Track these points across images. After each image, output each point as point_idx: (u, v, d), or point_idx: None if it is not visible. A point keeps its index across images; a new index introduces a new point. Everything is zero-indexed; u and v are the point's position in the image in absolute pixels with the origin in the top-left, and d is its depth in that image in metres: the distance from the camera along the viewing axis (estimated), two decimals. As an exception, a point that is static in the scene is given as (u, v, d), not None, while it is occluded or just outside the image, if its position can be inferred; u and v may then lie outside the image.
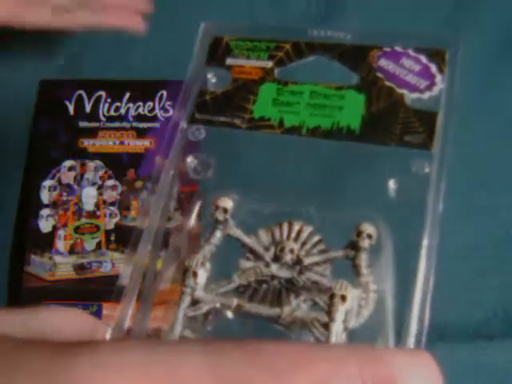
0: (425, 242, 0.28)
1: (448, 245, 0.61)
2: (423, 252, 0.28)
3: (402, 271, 0.29)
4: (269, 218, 0.32)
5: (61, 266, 0.59)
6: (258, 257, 0.31)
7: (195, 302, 0.29)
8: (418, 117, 0.30)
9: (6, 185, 0.62)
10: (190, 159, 0.33)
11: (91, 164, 0.61)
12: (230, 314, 0.30)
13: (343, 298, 0.27)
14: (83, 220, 0.61)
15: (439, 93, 0.30)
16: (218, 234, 0.32)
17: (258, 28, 0.34)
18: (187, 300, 0.29)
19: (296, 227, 0.31)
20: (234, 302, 0.29)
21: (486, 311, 0.57)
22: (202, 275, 0.30)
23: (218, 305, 0.30)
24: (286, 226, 0.31)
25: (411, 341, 0.27)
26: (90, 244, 0.60)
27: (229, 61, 0.34)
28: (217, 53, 0.34)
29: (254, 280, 0.31)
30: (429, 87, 0.30)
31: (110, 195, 0.60)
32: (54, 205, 0.61)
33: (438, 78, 0.31)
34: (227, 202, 0.32)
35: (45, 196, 0.61)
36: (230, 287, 0.30)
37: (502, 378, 0.54)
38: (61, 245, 0.60)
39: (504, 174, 0.61)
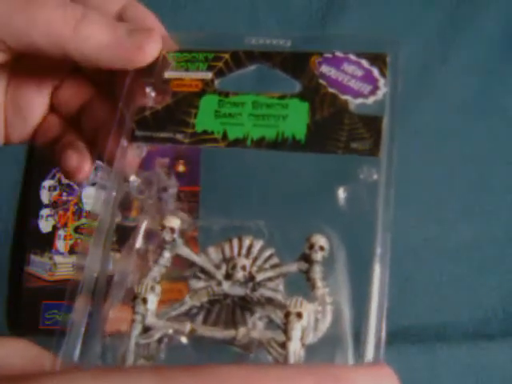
0: (377, 251, 0.27)
1: (448, 245, 0.61)
2: (376, 260, 0.27)
3: (356, 281, 0.29)
4: (218, 234, 0.31)
5: (61, 266, 0.59)
6: (209, 276, 0.30)
7: (147, 329, 0.28)
8: (364, 122, 0.29)
9: (6, 185, 0.62)
10: (132, 178, 0.32)
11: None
12: (183, 340, 0.29)
13: (299, 315, 0.27)
14: (83, 220, 0.61)
15: (383, 97, 0.30)
16: (167, 255, 0.31)
17: (194, 38, 0.33)
18: (138, 327, 0.28)
19: (246, 242, 0.31)
20: (187, 326, 0.28)
21: (486, 311, 0.57)
22: (152, 300, 0.29)
23: (170, 331, 0.28)
24: (236, 242, 0.31)
25: (370, 351, 0.26)
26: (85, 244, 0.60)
27: (167, 74, 0.33)
28: (154, 66, 0.32)
29: (207, 300, 0.30)
30: (372, 92, 0.30)
31: (110, 195, 0.60)
32: (53, 205, 0.61)
33: (381, 81, 0.30)
34: (174, 221, 0.31)
35: (45, 196, 0.61)
36: (182, 309, 0.30)
37: (501, 378, 0.54)
38: (61, 245, 0.60)
39: (504, 174, 0.61)
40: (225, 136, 0.31)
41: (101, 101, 0.35)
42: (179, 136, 0.31)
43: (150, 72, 0.32)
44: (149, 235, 0.32)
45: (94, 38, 0.31)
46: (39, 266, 0.59)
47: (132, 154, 0.32)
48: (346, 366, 0.26)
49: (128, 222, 0.32)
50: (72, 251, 0.60)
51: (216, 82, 0.32)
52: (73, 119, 0.36)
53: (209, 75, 0.32)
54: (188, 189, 0.57)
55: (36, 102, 0.36)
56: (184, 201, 0.59)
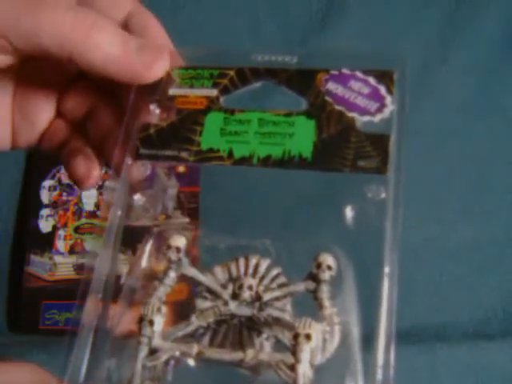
0: (386, 270, 0.27)
1: (448, 245, 0.61)
2: (385, 279, 0.27)
3: (365, 300, 0.28)
4: (224, 253, 0.31)
5: (61, 266, 0.59)
6: (215, 295, 0.30)
7: (153, 351, 0.28)
8: (371, 140, 0.29)
9: (6, 185, 0.62)
10: (136, 197, 0.32)
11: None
12: (191, 362, 0.28)
13: (308, 336, 0.26)
14: (83, 220, 0.61)
15: (390, 115, 0.29)
16: (172, 275, 0.30)
17: (199, 55, 0.33)
18: (145, 350, 0.28)
19: (253, 261, 0.30)
20: (195, 348, 0.28)
21: (486, 311, 0.57)
22: (159, 322, 0.28)
23: (177, 353, 0.28)
24: (242, 261, 0.30)
25: (379, 372, 0.26)
26: (90, 244, 0.60)
27: (172, 91, 0.32)
28: (159, 83, 0.32)
29: (213, 321, 0.29)
30: (379, 109, 0.29)
31: (110, 195, 0.60)
32: (53, 205, 0.61)
33: (388, 99, 0.30)
34: (180, 241, 0.30)
35: (45, 196, 0.61)
36: (189, 330, 0.29)
37: (501, 378, 0.54)
38: (61, 245, 0.60)
39: (504, 174, 0.61)
40: (230, 154, 0.30)
41: (107, 108, 0.35)
42: (184, 154, 0.31)
43: (155, 89, 0.32)
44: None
45: (103, 48, 0.30)
46: (39, 266, 0.59)
47: (136, 172, 0.31)
48: None
49: (133, 222, 0.32)
50: (72, 251, 0.60)
51: (221, 99, 0.32)
52: (80, 125, 0.36)
53: (214, 92, 0.32)
54: (188, 189, 0.57)
55: (43, 107, 0.36)
56: (184, 202, 0.59)
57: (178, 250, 0.30)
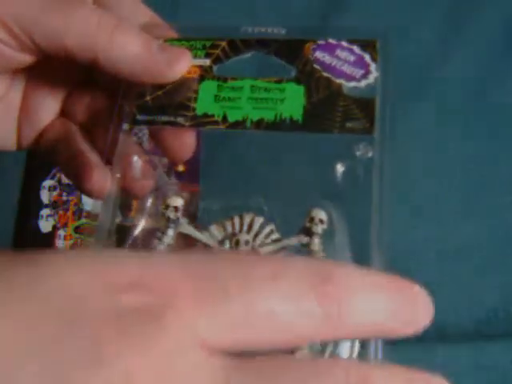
0: (374, 220, 0.29)
1: (448, 245, 0.61)
2: (373, 230, 0.28)
3: (356, 251, 0.30)
4: (219, 213, 0.32)
5: (61, 266, 0.59)
6: None
7: None
8: (357, 104, 0.31)
9: (6, 185, 0.62)
10: (134, 159, 0.33)
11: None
12: None
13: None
14: (83, 220, 0.61)
15: (374, 80, 0.31)
16: (171, 233, 0.32)
17: (192, 28, 0.34)
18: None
19: (247, 219, 0.32)
20: None
21: (486, 311, 0.57)
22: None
23: None
24: (237, 219, 0.32)
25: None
26: (89, 243, 0.60)
27: None
28: None
29: None
30: (364, 75, 0.31)
31: (110, 195, 0.60)
32: (53, 205, 0.61)
33: (372, 66, 0.32)
34: (178, 201, 0.32)
35: (45, 196, 0.61)
36: None
37: (501, 377, 0.54)
38: (61, 245, 0.60)
39: (504, 174, 0.61)
40: (225, 118, 0.32)
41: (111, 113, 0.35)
42: (180, 119, 0.32)
43: None
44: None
45: (127, 48, 0.31)
46: (39, 266, 0.59)
47: (134, 137, 0.32)
48: None
49: (128, 222, 0.32)
50: (72, 251, 0.60)
51: (214, 68, 0.33)
52: (83, 128, 0.36)
53: (207, 62, 0.33)
54: (188, 189, 0.57)
55: (47, 107, 0.36)
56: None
57: (176, 209, 0.32)
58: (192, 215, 0.55)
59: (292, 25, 0.33)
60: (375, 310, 0.22)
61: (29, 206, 0.61)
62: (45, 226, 0.60)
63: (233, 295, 0.20)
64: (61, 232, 0.60)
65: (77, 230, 0.61)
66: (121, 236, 0.32)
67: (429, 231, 0.59)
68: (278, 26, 0.33)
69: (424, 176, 0.60)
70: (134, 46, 0.31)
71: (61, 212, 0.61)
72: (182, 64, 0.32)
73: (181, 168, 0.51)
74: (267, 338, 0.21)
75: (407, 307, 0.23)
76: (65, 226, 0.61)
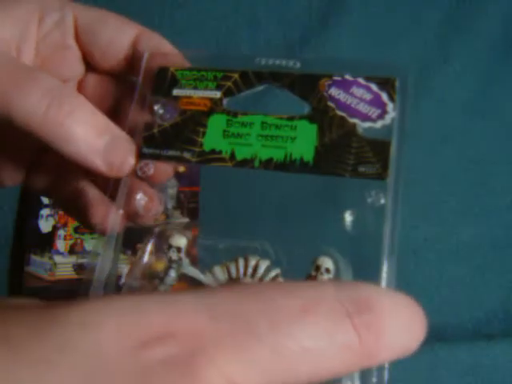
0: (383, 275, 0.27)
1: (448, 245, 0.61)
2: (383, 284, 0.27)
3: None
4: (223, 254, 0.31)
5: (61, 266, 0.59)
6: None
7: None
8: (371, 146, 0.29)
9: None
10: (139, 196, 0.32)
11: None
12: None
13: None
14: (83, 220, 0.61)
15: (391, 121, 0.30)
16: (173, 274, 0.31)
17: (204, 57, 0.33)
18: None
19: (252, 262, 0.31)
20: None
21: (486, 311, 0.57)
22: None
23: None
24: (242, 262, 0.31)
25: (374, 375, 0.26)
26: (90, 244, 0.60)
27: (176, 91, 0.33)
28: (163, 84, 0.33)
29: None
30: (380, 116, 0.30)
31: (110, 195, 0.60)
32: (53, 205, 0.61)
33: (390, 106, 0.30)
34: (181, 241, 0.31)
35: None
36: None
37: (501, 378, 0.54)
38: (61, 245, 0.60)
39: (504, 174, 0.61)
40: (232, 156, 0.31)
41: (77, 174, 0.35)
42: (187, 154, 0.31)
43: (158, 89, 0.33)
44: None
45: (74, 141, 0.30)
46: (39, 266, 0.59)
47: (139, 172, 0.32)
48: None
49: (134, 224, 0.32)
50: (72, 251, 0.60)
51: (224, 101, 0.32)
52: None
53: (217, 94, 0.32)
54: (188, 189, 0.57)
55: (11, 173, 0.36)
56: (184, 201, 0.59)
57: (178, 249, 0.31)
58: (193, 213, 0.55)
59: (307, 57, 0.33)
60: (406, 334, 0.22)
61: (29, 206, 0.61)
62: (45, 225, 0.60)
63: (263, 336, 0.20)
64: (61, 232, 0.60)
65: (77, 229, 0.61)
66: (126, 238, 0.31)
67: (429, 231, 0.59)
68: (292, 57, 0.32)
69: (424, 176, 0.60)
70: (81, 140, 0.30)
71: (61, 212, 0.61)
72: (123, 168, 0.31)
73: (181, 169, 0.51)
74: (303, 375, 0.20)
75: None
76: (65, 225, 0.61)
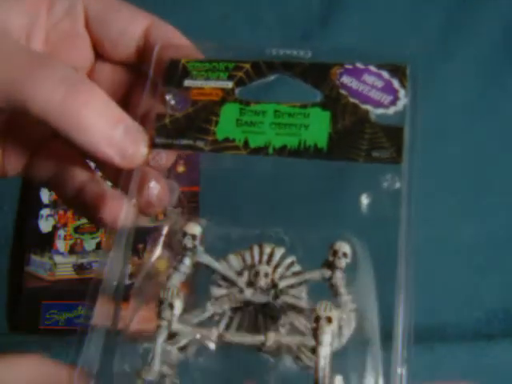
0: (401, 259, 0.27)
1: (448, 245, 0.61)
2: (401, 267, 0.27)
3: (381, 285, 0.29)
4: (237, 242, 0.31)
5: (61, 266, 0.59)
6: (230, 283, 0.30)
7: (172, 336, 0.28)
8: (385, 132, 0.29)
9: (6, 185, 0.62)
10: (152, 184, 0.32)
11: (91, 163, 0.62)
12: (211, 345, 0.28)
13: (329, 319, 0.27)
14: (83, 220, 0.61)
15: (403, 107, 0.30)
16: (187, 262, 0.31)
17: (215, 49, 0.33)
18: (164, 333, 0.28)
19: (267, 249, 0.31)
20: (215, 332, 0.28)
21: (486, 311, 0.57)
22: (178, 306, 0.28)
23: (197, 336, 0.28)
24: (256, 249, 0.31)
25: (398, 356, 0.27)
26: (89, 244, 0.60)
27: (187, 82, 0.32)
28: (174, 75, 0.32)
29: (229, 307, 0.30)
30: (393, 102, 0.30)
31: (110, 195, 0.60)
32: (53, 205, 0.61)
33: (401, 92, 0.30)
34: (195, 228, 0.30)
35: (45, 196, 0.61)
36: (204, 316, 0.29)
37: (501, 377, 0.54)
38: (61, 245, 0.60)
39: (504, 174, 0.61)
40: (246, 144, 0.31)
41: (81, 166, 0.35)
42: (200, 143, 0.31)
43: (170, 80, 0.32)
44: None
45: (90, 130, 0.29)
46: (39, 266, 0.59)
47: (151, 161, 0.31)
48: None
49: (143, 224, 0.32)
50: (72, 251, 0.60)
51: (236, 91, 0.32)
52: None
53: (229, 84, 0.32)
54: (187, 189, 0.57)
55: (13, 160, 0.35)
56: (184, 201, 0.59)
57: (193, 237, 0.30)
58: (193, 213, 0.55)
59: (318, 46, 0.32)
60: None
61: (29, 206, 0.61)
62: (45, 225, 0.61)
63: None
64: (61, 232, 0.60)
65: (77, 229, 0.61)
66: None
67: (429, 231, 0.59)
68: (304, 47, 0.32)
69: (424, 176, 0.60)
70: (97, 129, 0.29)
71: (61, 212, 0.61)
72: (136, 158, 0.31)
73: (181, 169, 0.51)
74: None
75: None
76: (65, 225, 0.61)
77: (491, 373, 0.54)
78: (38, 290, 0.58)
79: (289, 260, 0.30)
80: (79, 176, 0.35)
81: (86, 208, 0.34)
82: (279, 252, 0.31)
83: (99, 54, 0.34)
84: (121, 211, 0.31)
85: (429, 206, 0.60)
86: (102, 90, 0.30)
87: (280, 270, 0.30)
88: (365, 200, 0.30)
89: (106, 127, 0.30)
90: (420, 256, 0.64)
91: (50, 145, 0.35)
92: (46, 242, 0.60)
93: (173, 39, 0.33)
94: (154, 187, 0.32)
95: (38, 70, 0.29)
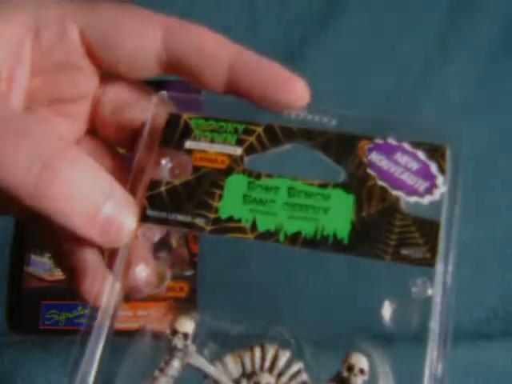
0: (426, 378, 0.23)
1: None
2: None
3: None
4: (236, 341, 0.27)
5: (61, 266, 0.59)
6: None
7: None
8: (418, 226, 0.25)
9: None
10: (139, 268, 0.28)
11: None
12: None
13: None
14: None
15: (440, 197, 0.26)
16: (176, 364, 0.27)
17: (223, 104, 0.29)
18: None
19: (271, 353, 0.26)
20: None
21: (486, 311, 0.57)
22: None
23: None
24: (258, 352, 0.27)
25: None
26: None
27: (188, 144, 0.28)
28: (174, 133, 0.28)
29: None
30: (429, 190, 0.26)
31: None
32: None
33: (439, 179, 0.27)
34: (188, 325, 0.27)
35: (45, 196, 0.61)
36: None
37: (501, 377, 0.54)
38: (61, 245, 0.60)
39: (504, 174, 0.61)
40: (254, 226, 0.26)
41: None
42: (200, 221, 0.27)
43: (168, 140, 0.28)
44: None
45: (69, 215, 0.25)
46: (39, 266, 0.59)
47: (141, 238, 0.28)
48: None
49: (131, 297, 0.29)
50: (72, 251, 0.60)
51: (246, 159, 0.28)
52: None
53: (238, 151, 0.28)
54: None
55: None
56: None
57: (185, 336, 0.27)
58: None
59: (345, 115, 0.28)
60: None
61: (29, 206, 0.61)
62: (45, 225, 0.60)
63: None
64: (61, 232, 0.60)
65: (77, 229, 0.61)
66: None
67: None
68: (328, 114, 0.28)
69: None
70: (78, 213, 0.25)
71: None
72: (122, 237, 0.26)
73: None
74: None
75: None
76: (65, 225, 0.61)
77: (491, 373, 0.54)
78: (37, 290, 0.58)
79: (295, 368, 0.27)
80: (68, 240, 0.30)
81: (71, 276, 0.30)
82: (284, 357, 0.27)
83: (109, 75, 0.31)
84: (102, 291, 0.27)
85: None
86: (88, 157, 0.26)
87: (284, 380, 0.26)
88: (388, 307, 0.26)
89: (90, 211, 0.26)
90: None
91: None
92: (45, 242, 0.60)
93: (198, 41, 0.29)
94: (142, 270, 0.28)
95: (12, 138, 0.25)
